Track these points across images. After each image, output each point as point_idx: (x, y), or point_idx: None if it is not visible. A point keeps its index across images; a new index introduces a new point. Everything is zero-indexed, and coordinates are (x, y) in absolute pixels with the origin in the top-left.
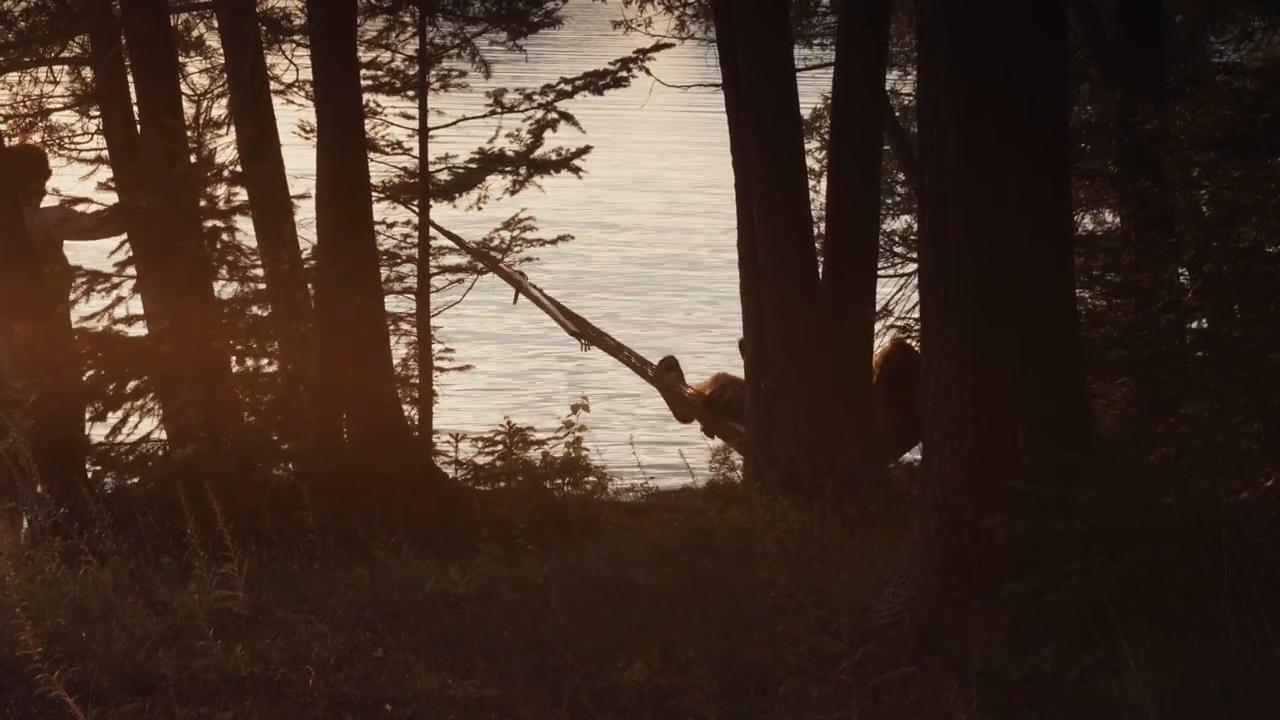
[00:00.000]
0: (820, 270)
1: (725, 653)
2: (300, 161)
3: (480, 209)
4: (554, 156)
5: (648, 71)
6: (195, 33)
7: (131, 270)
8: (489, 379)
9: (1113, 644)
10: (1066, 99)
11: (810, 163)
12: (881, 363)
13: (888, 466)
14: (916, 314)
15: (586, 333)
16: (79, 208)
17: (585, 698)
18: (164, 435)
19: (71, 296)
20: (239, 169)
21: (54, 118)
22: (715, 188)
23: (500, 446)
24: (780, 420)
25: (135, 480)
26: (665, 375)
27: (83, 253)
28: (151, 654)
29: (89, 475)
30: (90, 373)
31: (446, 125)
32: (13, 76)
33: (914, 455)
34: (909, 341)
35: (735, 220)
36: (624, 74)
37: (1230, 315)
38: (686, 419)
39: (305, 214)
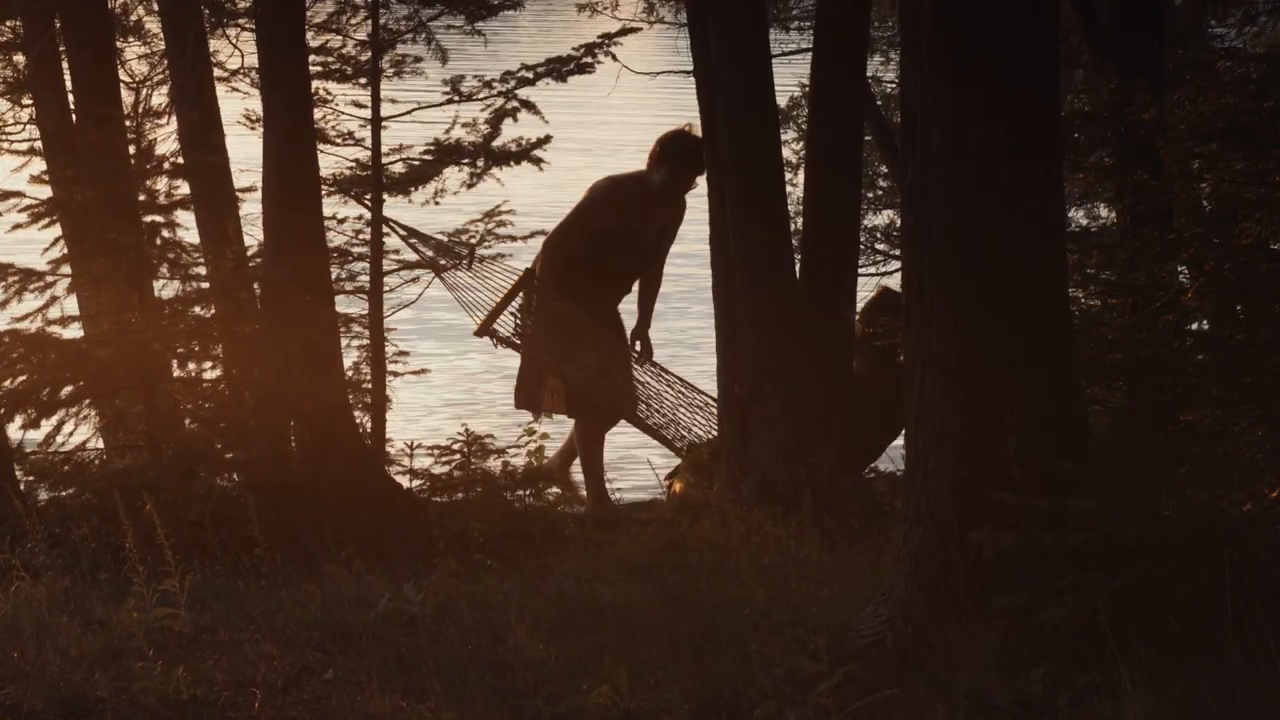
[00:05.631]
0: (797, 269)
1: (696, 674)
2: (246, 153)
3: (437, 203)
4: (514, 147)
5: (614, 57)
6: (134, 16)
7: (66, 269)
8: (446, 384)
9: (1108, 665)
10: (1059, 85)
11: (787, 154)
12: (865, 312)
13: (866, 474)
14: None
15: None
16: (9, 203)
17: None
18: (101, 443)
19: None
20: (180, 161)
21: None
22: None
23: (458, 455)
24: (755, 427)
25: (70, 491)
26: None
27: (15, 249)
28: (88, 676)
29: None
30: (22, 377)
31: (401, 114)
32: None
33: (898, 464)
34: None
35: (707, 215)
36: (589, 60)
37: (1232, 316)
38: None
39: (251, 208)
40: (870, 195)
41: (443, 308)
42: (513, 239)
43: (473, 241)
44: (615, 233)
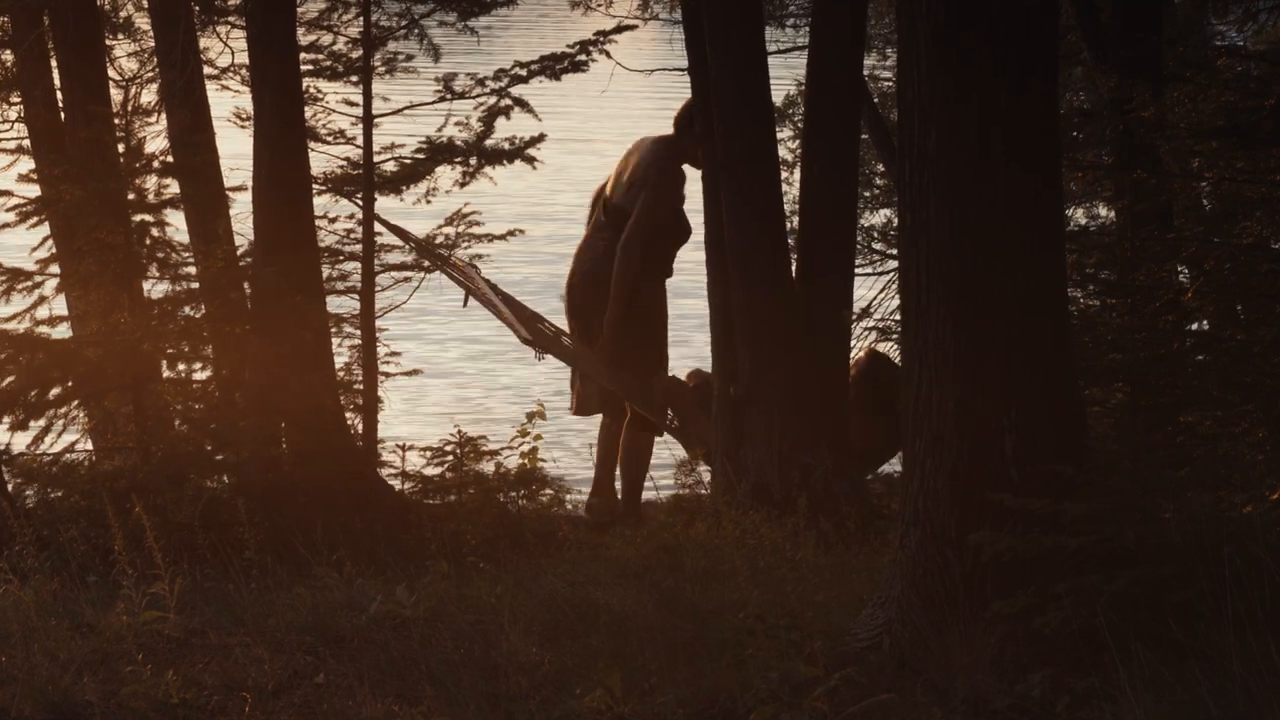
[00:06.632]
0: (793, 268)
1: (691, 679)
2: (236, 151)
3: (429, 202)
4: (506, 145)
5: (608, 55)
6: (124, 13)
7: (55, 268)
8: (438, 384)
9: (1107, 670)
10: (1057, 83)
11: (783, 153)
12: (855, 374)
13: (866, 479)
14: (897, 315)
15: (542, 343)
16: None
17: None
18: (90, 445)
19: None
20: (170, 159)
21: None
22: None
23: (450, 457)
24: (750, 429)
25: (59, 493)
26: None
27: (3, 248)
28: (76, 680)
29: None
30: (10, 378)
31: (392, 113)
32: None
33: (894, 467)
34: (887, 354)
35: (702, 213)
36: (583, 58)
37: (1233, 316)
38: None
39: (241, 207)
40: (867, 194)
41: (436, 306)
42: (490, 238)
43: (450, 246)
44: (676, 216)
